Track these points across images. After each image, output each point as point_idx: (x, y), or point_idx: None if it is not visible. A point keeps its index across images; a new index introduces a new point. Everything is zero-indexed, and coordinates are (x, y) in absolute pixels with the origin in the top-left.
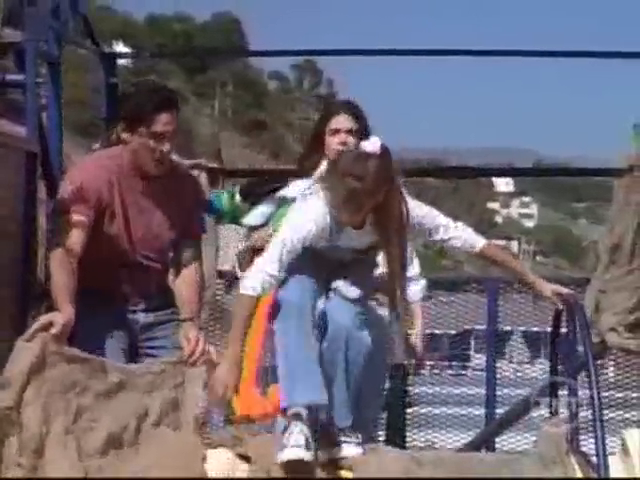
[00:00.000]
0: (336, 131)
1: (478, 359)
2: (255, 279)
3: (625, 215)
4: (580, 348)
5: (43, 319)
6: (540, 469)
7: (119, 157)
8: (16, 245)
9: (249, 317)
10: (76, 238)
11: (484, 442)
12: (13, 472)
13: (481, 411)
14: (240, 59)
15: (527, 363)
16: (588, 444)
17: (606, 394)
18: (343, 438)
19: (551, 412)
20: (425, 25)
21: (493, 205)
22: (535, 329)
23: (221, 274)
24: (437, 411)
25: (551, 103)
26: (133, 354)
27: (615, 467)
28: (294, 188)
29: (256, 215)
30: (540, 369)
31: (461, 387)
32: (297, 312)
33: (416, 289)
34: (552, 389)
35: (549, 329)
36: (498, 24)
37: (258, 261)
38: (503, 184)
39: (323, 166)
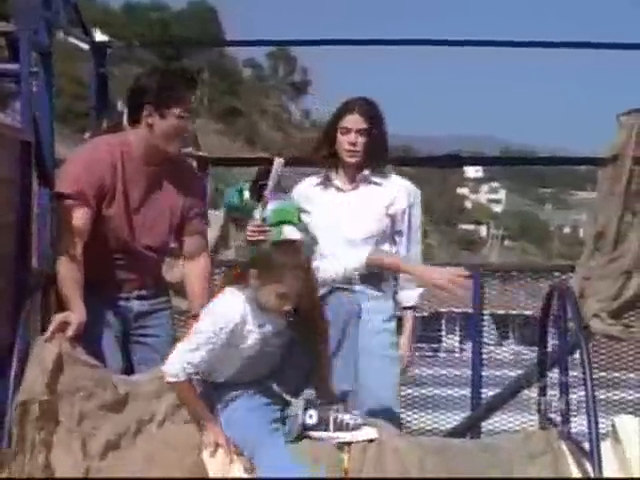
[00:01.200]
0: (347, 130)
1: (450, 340)
2: (175, 366)
3: (609, 204)
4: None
5: (59, 318)
6: (527, 461)
7: (125, 143)
8: (11, 236)
9: (196, 394)
10: (81, 224)
11: (473, 424)
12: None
13: (456, 391)
14: (216, 48)
15: (495, 345)
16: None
17: (575, 373)
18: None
19: (540, 393)
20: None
21: (462, 191)
22: (502, 312)
23: None
24: (410, 391)
25: (517, 93)
26: (126, 342)
27: (606, 454)
28: (299, 188)
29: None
30: (508, 351)
31: (435, 368)
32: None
33: (411, 294)
34: (541, 370)
35: (515, 312)
36: (470, 16)
37: (178, 346)
38: (472, 170)
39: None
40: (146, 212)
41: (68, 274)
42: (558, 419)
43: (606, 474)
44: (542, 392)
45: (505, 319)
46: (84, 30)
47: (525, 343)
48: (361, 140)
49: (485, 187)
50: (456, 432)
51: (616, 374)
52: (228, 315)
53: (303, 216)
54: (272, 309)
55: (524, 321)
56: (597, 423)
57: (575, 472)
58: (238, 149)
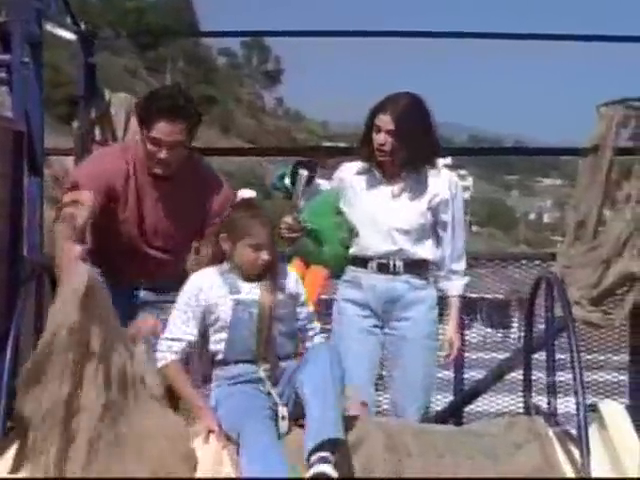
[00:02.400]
0: (378, 129)
1: None
2: (161, 347)
3: (590, 194)
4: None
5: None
6: (513, 449)
7: (136, 148)
8: (4, 226)
9: (184, 379)
10: (84, 212)
11: (459, 408)
12: None
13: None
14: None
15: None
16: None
17: (537, 355)
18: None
19: (525, 379)
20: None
21: None
22: (473, 295)
23: None
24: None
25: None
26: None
27: (592, 440)
28: (341, 172)
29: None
30: (477, 333)
31: None
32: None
33: (457, 284)
34: (527, 356)
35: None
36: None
37: (166, 331)
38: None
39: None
40: (158, 218)
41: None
42: (543, 405)
43: (593, 461)
44: (527, 378)
45: (474, 302)
46: (73, 20)
47: (491, 326)
48: (390, 140)
49: (453, 174)
50: (441, 416)
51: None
52: (195, 283)
53: (339, 211)
54: (251, 264)
55: (490, 304)
56: (585, 410)
57: (563, 460)
58: (213, 136)
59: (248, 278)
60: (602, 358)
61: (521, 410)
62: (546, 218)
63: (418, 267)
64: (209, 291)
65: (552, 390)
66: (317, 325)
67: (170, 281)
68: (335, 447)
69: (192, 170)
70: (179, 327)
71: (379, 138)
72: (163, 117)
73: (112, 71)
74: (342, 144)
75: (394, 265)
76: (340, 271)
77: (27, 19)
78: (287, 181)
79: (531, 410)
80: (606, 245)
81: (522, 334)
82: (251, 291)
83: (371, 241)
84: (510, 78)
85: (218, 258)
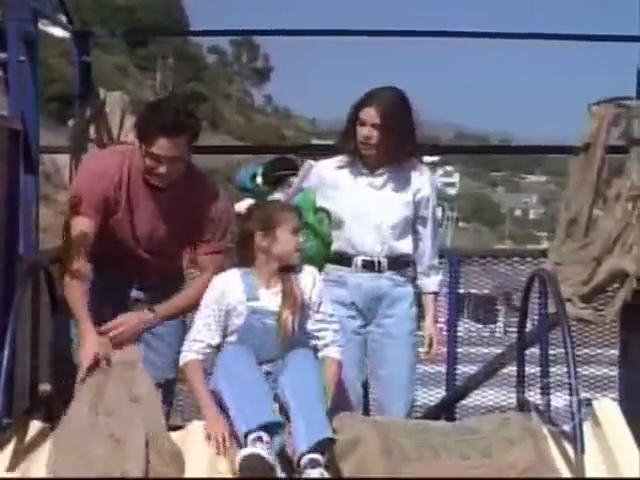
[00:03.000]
0: (363, 122)
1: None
2: (183, 349)
3: (581, 192)
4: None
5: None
6: (507, 446)
7: (132, 154)
8: (1, 224)
9: (201, 380)
10: (86, 237)
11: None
12: None
13: (431, 368)
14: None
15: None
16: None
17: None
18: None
19: (519, 375)
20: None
21: None
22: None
23: None
24: None
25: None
26: None
27: (586, 438)
28: (320, 170)
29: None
30: (464, 328)
31: None
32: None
33: (433, 280)
34: (521, 352)
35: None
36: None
37: (190, 332)
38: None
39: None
40: (151, 224)
41: (77, 292)
42: (537, 401)
43: (587, 459)
44: (520, 374)
45: (462, 298)
46: (68, 19)
47: (477, 320)
48: (376, 134)
49: (440, 171)
50: (433, 411)
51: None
52: (218, 286)
53: (321, 207)
54: (293, 251)
55: (475, 300)
56: (580, 409)
57: (557, 457)
58: (202, 132)
59: (268, 282)
60: (592, 353)
61: (513, 404)
62: (531, 214)
63: (400, 264)
64: (230, 295)
65: (546, 387)
66: (329, 333)
67: (162, 281)
68: (326, 448)
69: (187, 178)
70: (201, 329)
71: (364, 131)
72: (164, 133)
73: (102, 69)
74: (330, 141)
75: (379, 262)
76: (321, 268)
77: (24, 18)
78: (259, 180)
79: (524, 407)
80: (597, 242)
81: (508, 328)
82: (269, 299)
83: (356, 236)
84: (497, 74)
85: (244, 263)
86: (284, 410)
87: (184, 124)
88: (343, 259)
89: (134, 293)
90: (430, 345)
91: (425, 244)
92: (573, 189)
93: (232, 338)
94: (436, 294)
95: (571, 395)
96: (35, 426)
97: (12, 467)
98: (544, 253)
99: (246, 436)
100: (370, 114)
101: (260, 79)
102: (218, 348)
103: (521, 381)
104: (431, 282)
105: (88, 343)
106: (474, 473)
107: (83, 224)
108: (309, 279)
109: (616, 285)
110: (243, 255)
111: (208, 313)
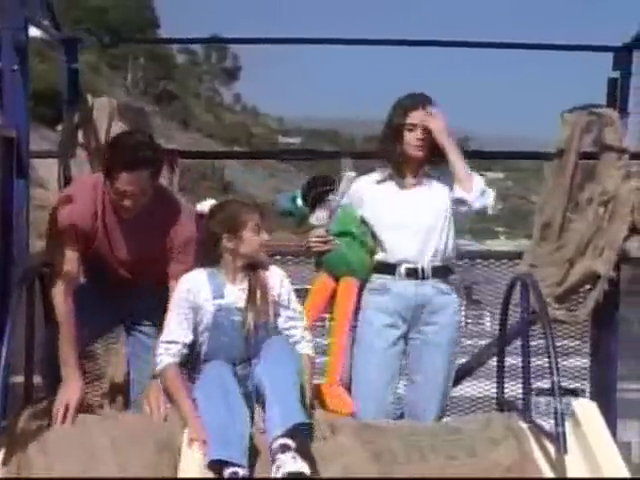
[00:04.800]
0: (414, 126)
1: None
2: (159, 352)
3: (555, 197)
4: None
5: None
6: (490, 446)
7: (103, 185)
8: None
9: (179, 384)
10: (71, 268)
11: None
12: None
13: None
14: (151, 34)
15: None
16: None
17: (483, 342)
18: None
19: (498, 374)
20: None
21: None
22: None
23: None
24: None
25: (433, 77)
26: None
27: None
28: (359, 186)
29: (316, 218)
30: None
31: None
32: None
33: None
34: (501, 351)
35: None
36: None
37: (162, 334)
38: None
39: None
40: (129, 246)
41: (65, 333)
42: (517, 402)
43: (568, 458)
44: (500, 375)
45: None
46: (56, 26)
47: None
48: (428, 136)
49: None
50: None
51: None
52: (184, 284)
53: (363, 220)
54: (257, 249)
55: None
56: (562, 410)
57: (540, 456)
58: (174, 130)
59: (234, 279)
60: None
61: (494, 395)
62: (489, 210)
63: (444, 271)
64: (196, 293)
65: (527, 386)
66: (299, 331)
67: (151, 289)
68: (301, 432)
69: (154, 200)
70: (174, 329)
71: (417, 134)
72: (125, 169)
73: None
74: (297, 138)
75: (422, 270)
76: (367, 278)
77: (17, 27)
78: (299, 202)
79: (504, 407)
80: (570, 245)
81: (468, 320)
82: (235, 296)
83: (398, 245)
84: (455, 72)
85: (210, 263)
86: (260, 397)
87: (144, 159)
88: (386, 267)
89: (127, 311)
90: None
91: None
92: (547, 194)
93: (202, 337)
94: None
95: (554, 398)
96: (29, 427)
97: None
98: (520, 255)
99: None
100: (419, 117)
101: (229, 78)
102: (192, 346)
103: (501, 382)
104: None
105: (68, 389)
106: (461, 472)
107: (67, 254)
108: (277, 277)
109: (588, 286)
110: (208, 255)
111: (178, 312)
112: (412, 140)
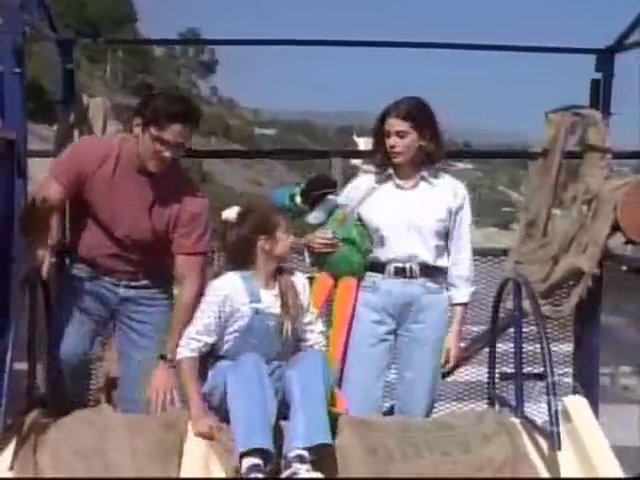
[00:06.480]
0: (388, 133)
1: None
2: (180, 344)
3: (539, 195)
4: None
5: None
6: (482, 442)
7: (123, 143)
8: None
9: (194, 379)
10: (52, 196)
11: None
12: None
13: None
14: (129, 28)
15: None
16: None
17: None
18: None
19: (490, 374)
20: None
21: (355, 162)
22: None
23: None
24: None
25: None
26: (109, 324)
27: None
28: (357, 183)
29: (313, 217)
30: None
31: None
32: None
33: (464, 292)
34: (492, 351)
35: None
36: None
37: (189, 329)
38: (362, 143)
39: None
40: (133, 214)
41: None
42: (509, 399)
43: (561, 455)
44: (491, 373)
45: None
46: (52, 27)
47: None
48: (400, 142)
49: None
50: None
51: None
52: (219, 287)
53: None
54: (288, 250)
55: None
56: (557, 406)
57: (532, 452)
58: None
59: (267, 284)
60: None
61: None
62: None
63: (433, 271)
64: (234, 297)
65: (519, 382)
66: (314, 335)
67: (149, 277)
68: (319, 451)
69: (171, 172)
70: (200, 329)
71: (390, 141)
72: (178, 120)
73: (53, 61)
74: (272, 130)
75: (410, 269)
76: (362, 278)
77: (17, 31)
78: (298, 200)
79: (495, 403)
80: (554, 242)
81: None
82: (270, 301)
83: (388, 243)
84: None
85: (242, 267)
86: (285, 402)
87: (195, 113)
88: (377, 266)
89: (121, 291)
90: (447, 361)
91: (460, 255)
92: (532, 192)
93: (229, 337)
94: (465, 305)
95: (548, 396)
96: (33, 425)
97: (13, 467)
98: (505, 252)
99: (242, 456)
100: (392, 123)
101: (206, 71)
102: (213, 346)
103: (492, 377)
104: (463, 293)
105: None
106: (455, 469)
107: (53, 188)
108: (301, 282)
109: (572, 282)
110: (242, 259)
111: (209, 314)
112: (388, 147)
